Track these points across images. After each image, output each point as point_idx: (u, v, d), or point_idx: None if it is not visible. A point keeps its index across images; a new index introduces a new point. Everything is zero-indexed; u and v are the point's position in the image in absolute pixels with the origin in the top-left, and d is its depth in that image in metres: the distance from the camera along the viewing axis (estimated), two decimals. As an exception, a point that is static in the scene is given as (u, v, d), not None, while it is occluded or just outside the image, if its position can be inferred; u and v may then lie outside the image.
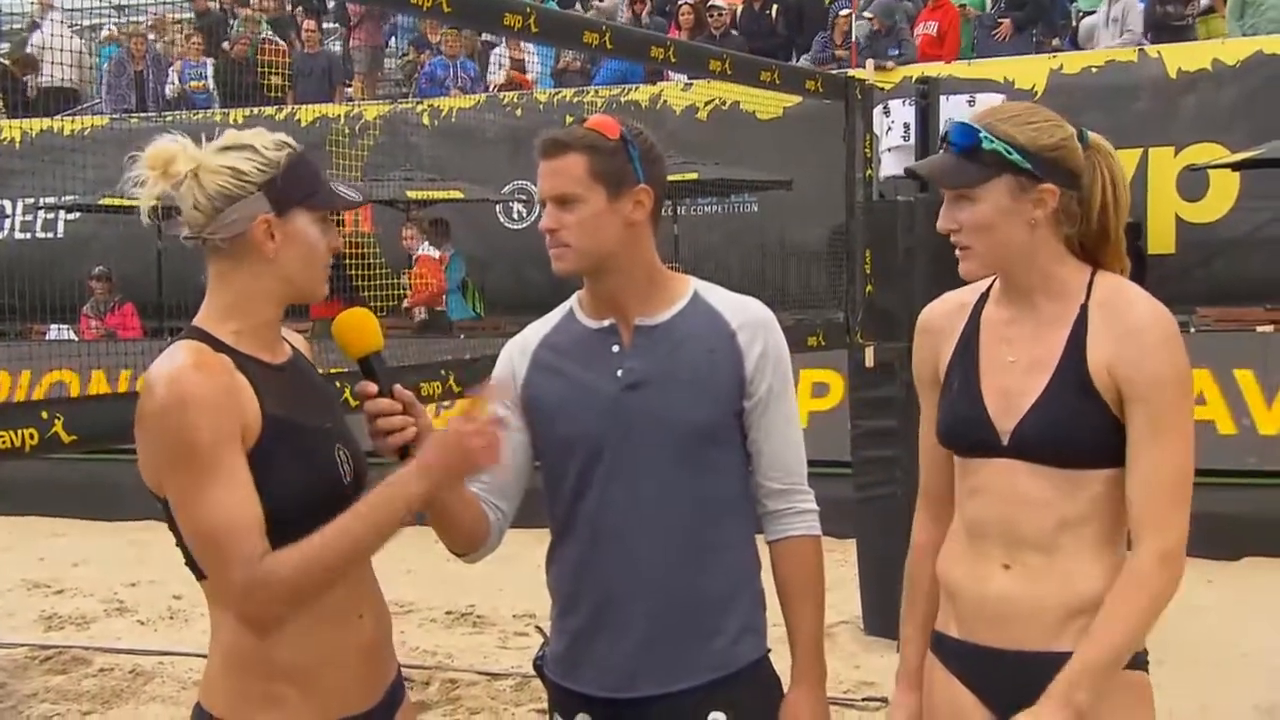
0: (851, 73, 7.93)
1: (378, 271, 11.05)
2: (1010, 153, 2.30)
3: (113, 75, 14.79)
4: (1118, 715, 2.30)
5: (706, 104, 11.85)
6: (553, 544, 2.57)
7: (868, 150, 6.37)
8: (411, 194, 11.68)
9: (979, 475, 2.39)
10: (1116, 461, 2.29)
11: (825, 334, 6.01)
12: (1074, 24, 12.88)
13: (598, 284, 2.49)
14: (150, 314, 11.88)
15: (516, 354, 2.58)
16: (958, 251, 2.38)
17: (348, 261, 10.69)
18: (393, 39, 15.32)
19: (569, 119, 2.53)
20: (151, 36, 15.32)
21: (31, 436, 2.91)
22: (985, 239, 2.33)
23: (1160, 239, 10.57)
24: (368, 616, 2.32)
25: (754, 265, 10.72)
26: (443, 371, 3.95)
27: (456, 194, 11.70)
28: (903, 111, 6.99)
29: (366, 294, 10.46)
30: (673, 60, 5.29)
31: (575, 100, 12.31)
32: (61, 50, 13.85)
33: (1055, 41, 12.59)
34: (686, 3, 13.25)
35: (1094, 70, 11.06)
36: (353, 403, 2.79)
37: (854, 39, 12.35)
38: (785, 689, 2.53)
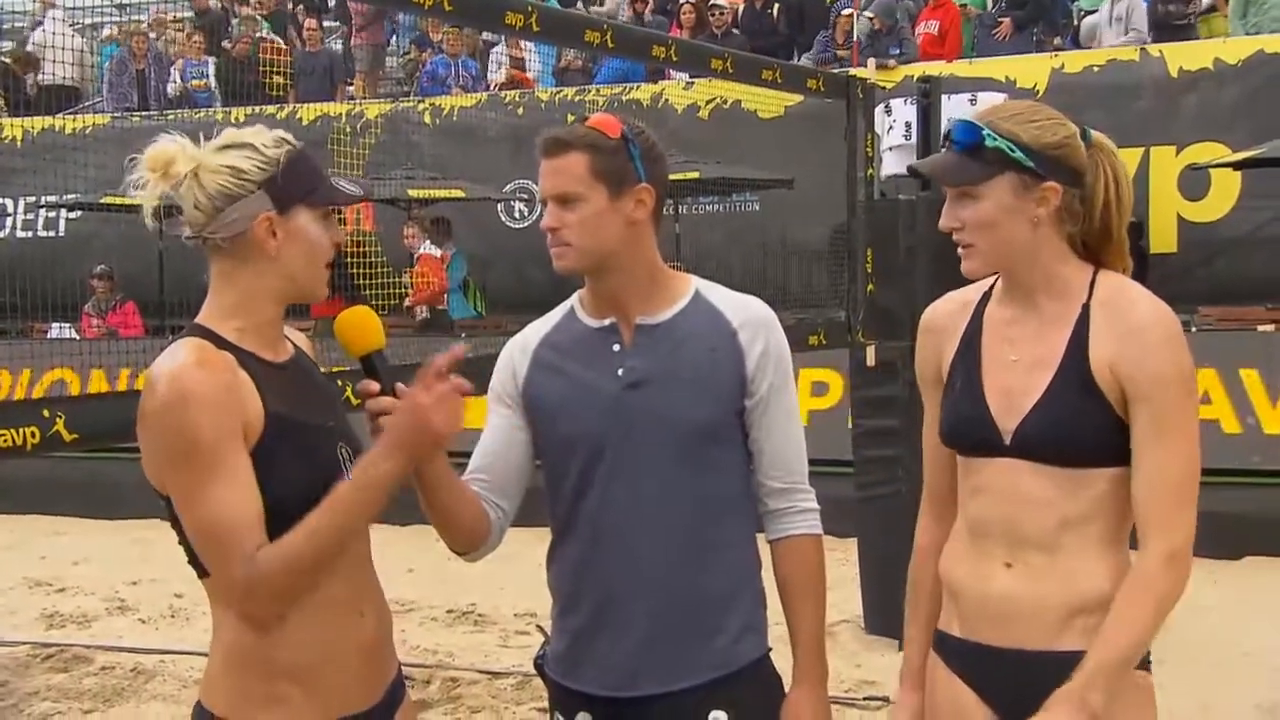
0: (853, 71, 7.93)
1: (379, 270, 11.06)
2: (1013, 150, 2.30)
3: (114, 74, 14.80)
4: (1120, 715, 2.30)
5: (708, 103, 11.85)
6: (553, 543, 2.57)
7: (869, 149, 6.37)
8: (413, 193, 11.67)
9: (981, 475, 2.39)
10: (1119, 460, 2.28)
11: (827, 333, 6.01)
12: (1075, 23, 12.87)
13: (599, 283, 2.49)
14: (152, 312, 11.88)
15: (517, 353, 2.58)
16: (960, 250, 2.38)
17: (350, 260, 10.70)
18: (394, 37, 15.31)
19: (570, 118, 2.53)
20: (152, 35, 15.32)
21: (33, 435, 2.91)
22: (988, 237, 2.33)
23: (1162, 238, 10.56)
24: (369, 615, 2.32)
25: (755, 264, 10.71)
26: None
27: (458, 193, 11.71)
28: (904, 110, 6.98)
29: (368, 293, 10.47)
30: (674, 59, 5.29)
31: (577, 99, 12.31)
32: (62, 49, 13.85)
33: (1056, 40, 12.58)
34: (688, 1, 13.25)
35: (1095, 69, 11.05)
36: (354, 401, 2.79)
37: (855, 38, 12.35)
38: (786, 688, 2.53)
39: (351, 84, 14.78)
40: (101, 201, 11.35)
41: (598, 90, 12.60)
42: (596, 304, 2.53)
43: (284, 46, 14.38)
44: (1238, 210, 10.48)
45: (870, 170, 6.44)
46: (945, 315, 2.52)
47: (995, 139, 2.31)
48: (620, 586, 2.45)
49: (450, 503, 2.41)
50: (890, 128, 7.73)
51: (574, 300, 2.59)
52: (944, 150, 2.41)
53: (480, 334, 10.61)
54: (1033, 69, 11.19)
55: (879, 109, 6.78)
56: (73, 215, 13.43)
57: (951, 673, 2.44)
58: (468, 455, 2.56)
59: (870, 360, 6.37)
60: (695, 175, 10.44)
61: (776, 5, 13.80)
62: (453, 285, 11.81)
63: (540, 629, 2.68)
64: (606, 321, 2.50)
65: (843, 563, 6.79)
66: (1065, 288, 2.36)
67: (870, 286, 6.21)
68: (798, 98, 8.90)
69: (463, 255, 12.03)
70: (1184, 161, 10.54)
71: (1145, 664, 2.36)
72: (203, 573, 2.19)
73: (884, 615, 6.40)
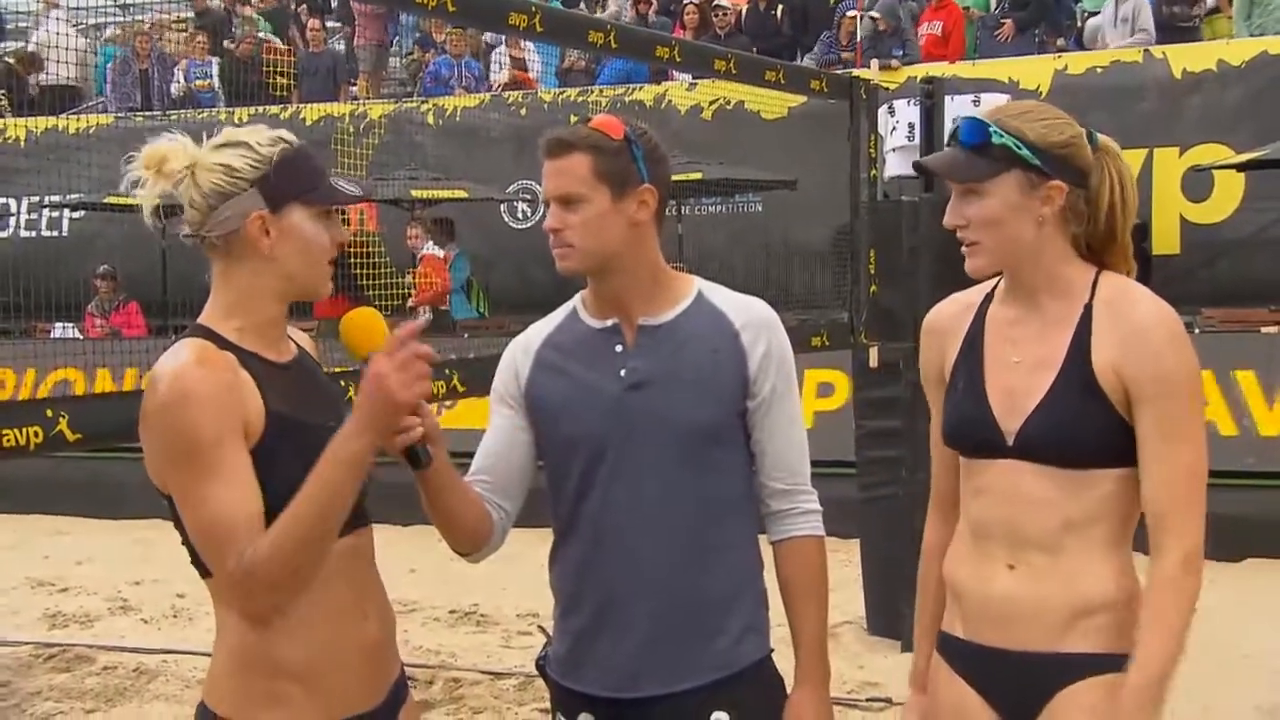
0: (856, 73, 7.92)
1: (383, 271, 11.06)
2: (1020, 148, 2.30)
3: (118, 74, 14.81)
4: (1119, 717, 2.30)
5: (711, 104, 11.85)
6: (555, 544, 2.56)
7: (872, 150, 6.37)
8: (416, 193, 11.68)
9: (984, 476, 2.39)
10: (1121, 461, 2.28)
11: (829, 334, 6.01)
12: (1079, 24, 12.87)
13: (602, 284, 2.49)
14: (155, 312, 11.89)
15: (519, 353, 2.58)
16: (964, 248, 2.38)
17: (353, 260, 10.70)
18: (397, 38, 15.32)
19: (573, 118, 2.53)
20: (156, 36, 15.33)
21: (36, 435, 2.91)
22: (993, 234, 2.33)
23: (1165, 239, 10.56)
24: (372, 615, 2.32)
25: (758, 265, 10.72)
26: (447, 371, 3.95)
27: (461, 193, 11.71)
28: (907, 111, 6.98)
29: (371, 293, 10.47)
30: (678, 60, 5.29)
31: (580, 100, 12.32)
32: (63, 49, 13.86)
33: (1059, 42, 12.58)
34: (691, 2, 13.25)
35: (1099, 71, 11.05)
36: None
37: (859, 39, 12.35)
38: (788, 689, 2.53)
39: (355, 84, 14.78)
40: (104, 201, 11.36)
41: (601, 91, 12.61)
42: (599, 305, 2.53)
43: (283, 48, 14.36)
44: (1241, 212, 10.49)
45: (873, 171, 6.44)
46: (948, 317, 2.52)
47: (1002, 136, 2.31)
48: (622, 587, 2.45)
49: (453, 504, 2.41)
50: (893, 129, 7.73)
51: (576, 301, 2.59)
52: (949, 147, 2.41)
53: (483, 334, 10.61)
54: (1036, 70, 11.20)
55: (882, 110, 6.77)
56: (76, 215, 13.44)
57: (955, 674, 2.44)
58: (471, 456, 2.57)
59: (873, 361, 6.37)
60: (698, 176, 10.45)
61: (780, 6, 13.80)
62: (455, 286, 11.81)
63: (542, 630, 2.68)
64: (609, 322, 2.50)
65: (845, 564, 6.78)
66: (1068, 288, 2.36)
67: (873, 287, 6.21)
68: (801, 99, 8.90)
69: (466, 256, 12.03)
70: (1187, 163, 10.55)
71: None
72: (205, 573, 2.19)
73: (886, 616, 6.40)
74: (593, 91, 12.66)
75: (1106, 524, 2.31)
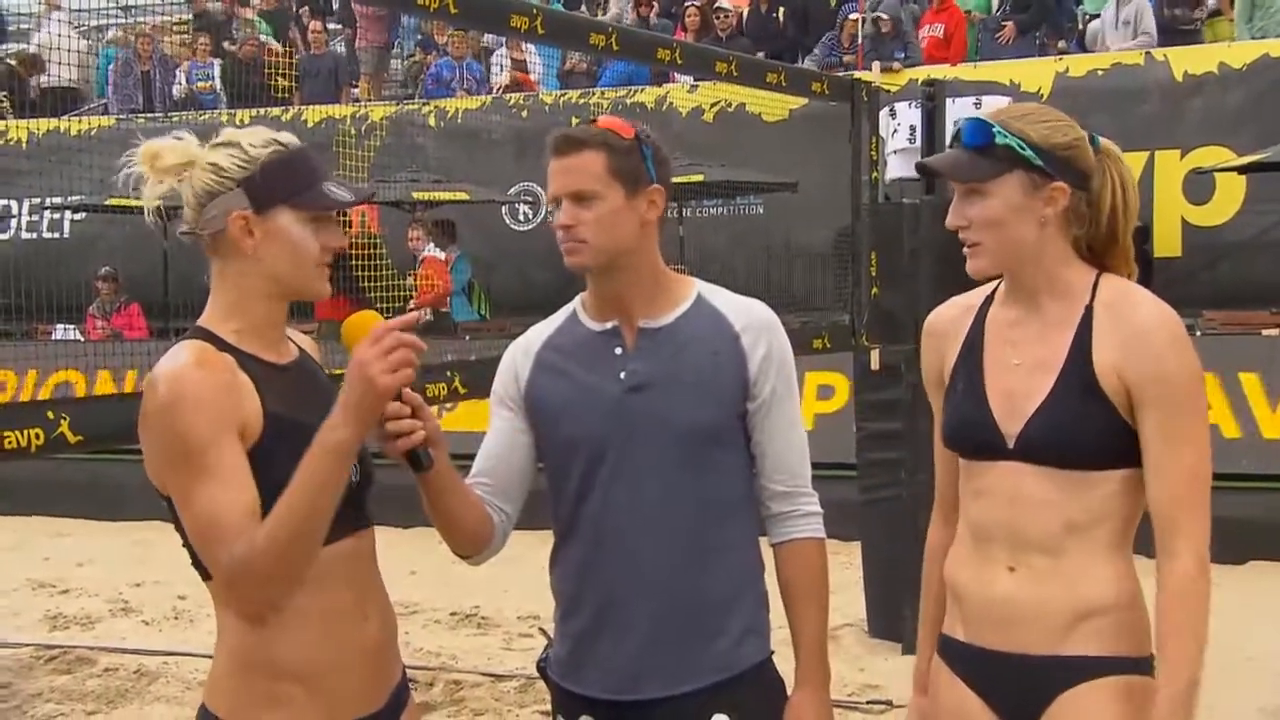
0: (857, 75, 7.92)
1: (384, 272, 11.05)
2: (1023, 148, 2.30)
3: (119, 75, 14.81)
4: (1125, 717, 2.30)
5: (712, 106, 11.85)
6: (556, 545, 2.56)
7: (873, 152, 6.37)
8: (417, 195, 11.68)
9: (984, 478, 2.38)
10: (1123, 463, 2.28)
11: (830, 336, 6.01)
12: (1080, 26, 12.87)
13: (607, 283, 2.48)
14: (156, 314, 11.89)
15: (519, 355, 2.58)
16: (966, 249, 2.38)
17: (355, 262, 10.70)
18: (398, 40, 15.33)
19: (575, 120, 2.53)
20: (159, 39, 15.34)
21: (37, 436, 2.91)
22: (995, 235, 2.33)
23: (1166, 242, 10.56)
24: (374, 617, 2.32)
25: (759, 267, 10.72)
26: (448, 373, 3.95)
27: (462, 195, 11.71)
28: (909, 114, 6.97)
29: (373, 295, 10.46)
30: (679, 62, 5.29)
31: (581, 102, 12.32)
32: (64, 50, 13.87)
33: (1060, 44, 12.58)
34: (693, 5, 13.25)
35: (1100, 73, 11.05)
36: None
37: (860, 41, 12.35)
38: (789, 691, 2.53)
39: (356, 86, 14.78)
40: (106, 203, 11.36)
41: (602, 93, 12.61)
42: (599, 306, 2.52)
43: (279, 49, 14.35)
44: (1242, 214, 10.48)
45: (874, 173, 6.44)
46: (947, 319, 2.52)
47: (1006, 136, 2.31)
48: (622, 589, 2.45)
49: (454, 506, 2.41)
50: (895, 131, 7.72)
51: (576, 303, 2.59)
52: (951, 148, 2.41)
53: (484, 337, 10.61)
54: (1037, 73, 11.20)
55: (883, 112, 6.77)
56: (77, 217, 13.45)
57: (955, 677, 2.44)
58: (472, 458, 2.57)
59: (874, 364, 6.37)
60: (699, 178, 10.45)
61: (781, 8, 13.80)
62: (457, 288, 11.81)
63: (543, 632, 2.68)
64: (609, 324, 2.50)
65: (846, 566, 6.78)
66: (1068, 290, 2.36)
67: (874, 290, 6.21)
68: (802, 101, 8.90)
69: (467, 258, 12.03)
70: (1189, 165, 10.54)
71: (1149, 668, 2.35)
72: (206, 575, 2.19)
73: (887, 619, 6.40)
74: (594, 94, 12.66)
75: (1108, 525, 2.31)
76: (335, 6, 16.70)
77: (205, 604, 2.30)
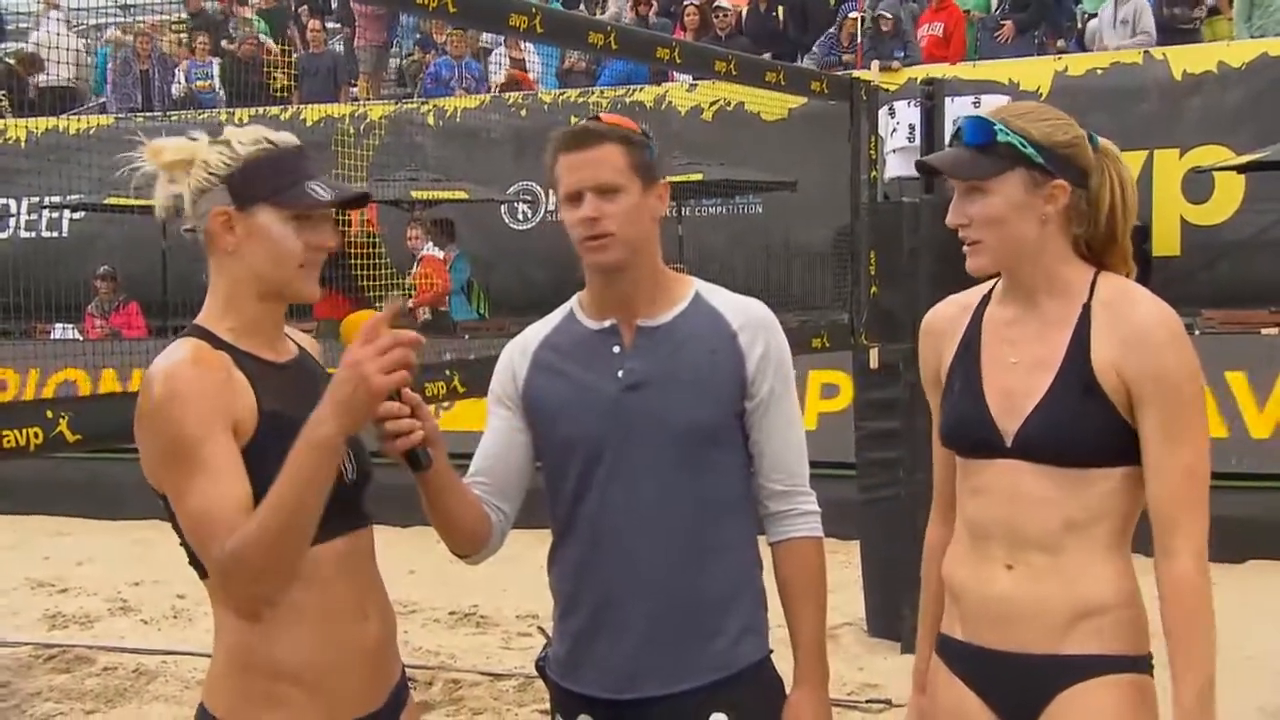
0: (856, 74, 7.92)
1: (383, 272, 11.06)
2: (1025, 146, 2.30)
3: (118, 74, 14.80)
4: (1120, 718, 2.30)
5: (711, 105, 11.85)
6: (554, 545, 2.56)
7: (872, 151, 6.37)
8: (416, 194, 11.68)
9: (981, 476, 2.38)
10: (1121, 461, 2.29)
11: (829, 335, 6.01)
12: (1079, 26, 12.87)
13: (618, 280, 2.47)
14: (155, 313, 11.89)
15: (517, 355, 2.57)
16: (965, 247, 2.37)
17: (353, 261, 10.70)
18: (397, 39, 15.32)
19: (574, 119, 2.52)
20: (158, 37, 15.33)
21: (36, 436, 2.91)
22: (996, 233, 2.33)
23: (1165, 241, 10.56)
24: (373, 616, 2.32)
25: (758, 266, 10.72)
26: (447, 372, 3.95)
27: (461, 194, 11.71)
28: (908, 113, 6.98)
29: (371, 294, 10.46)
30: (678, 61, 5.29)
31: (580, 101, 12.32)
32: (60, 49, 13.87)
33: (1060, 43, 12.58)
34: (692, 4, 13.25)
35: (1099, 72, 11.05)
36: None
37: (859, 40, 12.35)
38: (788, 690, 2.53)
39: (355, 85, 14.78)
40: (105, 202, 11.35)
41: (601, 92, 12.61)
42: (599, 305, 2.52)
43: (275, 49, 14.33)
44: (1241, 213, 10.49)
45: (874, 172, 6.44)
46: (944, 318, 2.52)
47: (1008, 134, 2.31)
48: (619, 588, 2.44)
49: (452, 506, 2.41)
50: (894, 130, 7.72)
51: (573, 302, 2.59)
52: (951, 147, 2.41)
53: (483, 336, 10.61)
54: (1036, 72, 11.20)
55: (882, 111, 6.78)
56: (76, 216, 13.44)
57: (954, 676, 2.44)
58: (470, 457, 2.56)
59: (873, 363, 6.37)
60: (699, 177, 10.45)
61: (781, 7, 13.80)
62: (456, 287, 11.81)
63: (542, 631, 2.68)
64: (606, 323, 2.50)
65: (845, 565, 6.78)
66: (1066, 288, 2.36)
67: (873, 289, 6.21)
68: (801, 100, 8.90)
69: (466, 257, 12.03)
70: (1187, 164, 10.54)
71: (1148, 667, 2.35)
72: (203, 573, 2.19)
73: (886, 618, 6.40)
74: (593, 93, 12.65)
75: (1107, 524, 2.31)
76: (334, 5, 16.70)
77: (204, 603, 2.30)
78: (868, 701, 5.66)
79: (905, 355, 6.06)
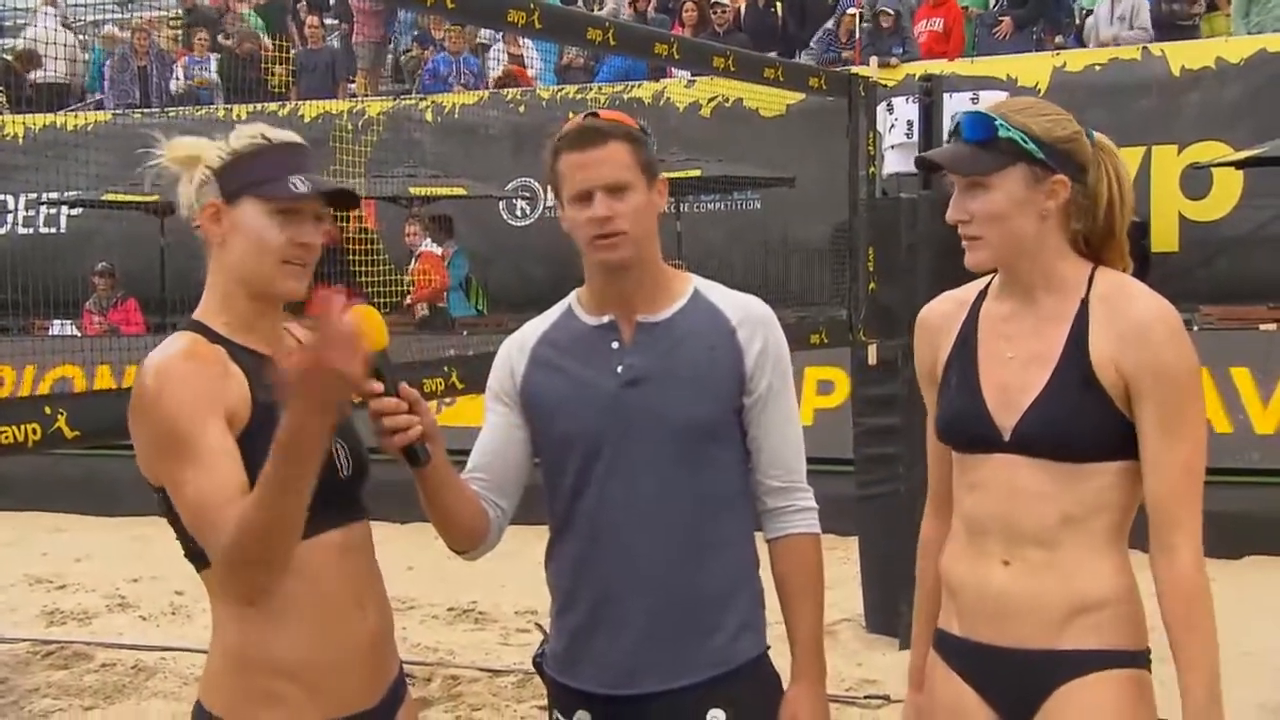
0: (855, 70, 7.92)
1: (381, 268, 11.06)
2: (1026, 142, 2.30)
3: (116, 70, 14.79)
4: (1117, 714, 2.30)
5: (710, 101, 11.85)
6: (552, 541, 2.56)
7: (871, 147, 6.37)
8: (414, 190, 11.67)
9: (979, 471, 2.38)
10: (1119, 455, 2.29)
11: (828, 331, 6.01)
12: (1078, 22, 12.87)
13: (622, 278, 2.47)
14: (153, 309, 11.88)
15: (515, 351, 2.57)
16: (965, 242, 2.37)
17: (351, 258, 10.70)
18: (395, 36, 15.31)
19: (572, 116, 2.51)
20: (155, 32, 15.31)
21: (34, 432, 2.91)
22: (997, 229, 2.33)
23: (1163, 237, 10.57)
24: (371, 611, 2.32)
25: (757, 262, 10.71)
26: (446, 368, 3.95)
27: (459, 190, 11.70)
28: (906, 109, 7.00)
29: (369, 290, 10.46)
30: (676, 57, 5.29)
31: (578, 97, 12.31)
32: (54, 44, 13.86)
33: (1058, 39, 12.59)
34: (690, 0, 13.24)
35: (1097, 68, 11.05)
36: (355, 400, 2.79)
37: (858, 36, 12.34)
38: (785, 686, 2.53)
39: (353, 81, 14.77)
40: (103, 198, 11.34)
41: (599, 88, 12.61)
42: (598, 301, 2.52)
43: (269, 45, 14.32)
44: (1239, 209, 10.49)
45: (872, 168, 6.43)
46: (940, 314, 2.52)
47: (1009, 129, 2.31)
48: (618, 584, 2.44)
49: (451, 502, 2.41)
50: (892, 126, 7.74)
51: (571, 298, 2.58)
52: (950, 143, 2.41)
53: (481, 332, 10.61)
54: (1034, 68, 11.20)
55: (881, 107, 6.79)
56: (74, 212, 13.43)
57: (951, 671, 2.44)
58: (468, 453, 2.56)
59: (871, 359, 6.37)
60: (697, 173, 10.45)
61: (779, 3, 13.79)
62: (454, 283, 11.81)
63: (539, 627, 2.68)
64: (605, 319, 2.50)
65: (844, 561, 6.78)
66: (1063, 284, 2.36)
67: (871, 285, 6.21)
68: (800, 96, 8.90)
69: (464, 253, 12.03)
70: (1186, 160, 10.54)
71: (1145, 662, 2.36)
72: (199, 566, 2.19)
73: (885, 614, 6.40)
74: (591, 89, 12.65)
75: (1104, 518, 2.31)
76: (332, 1, 16.67)
77: (202, 599, 2.30)
78: (866, 697, 5.66)
79: (903, 351, 6.06)
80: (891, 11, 12.08)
